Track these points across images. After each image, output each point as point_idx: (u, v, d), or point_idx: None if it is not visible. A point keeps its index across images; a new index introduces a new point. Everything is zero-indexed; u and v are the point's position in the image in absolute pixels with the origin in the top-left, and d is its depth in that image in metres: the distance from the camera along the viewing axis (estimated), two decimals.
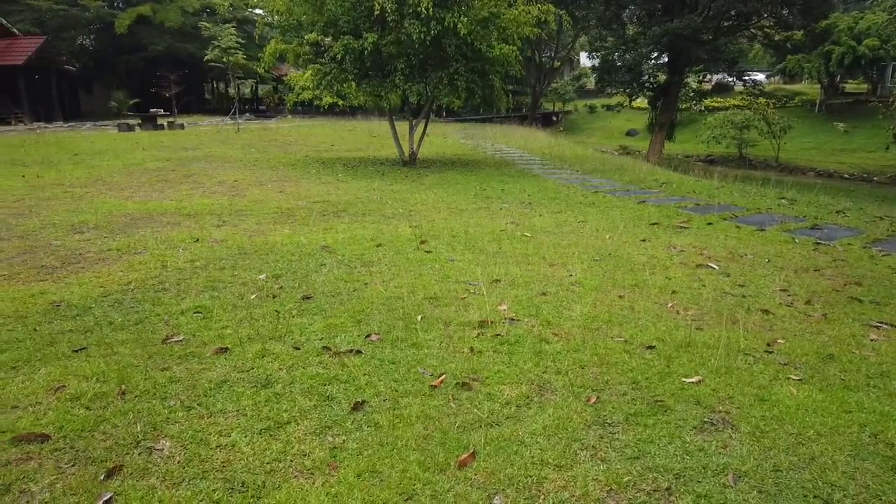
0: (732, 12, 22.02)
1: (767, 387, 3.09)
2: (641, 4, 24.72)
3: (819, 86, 37.11)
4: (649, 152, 24.46)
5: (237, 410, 2.75)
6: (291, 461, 2.39)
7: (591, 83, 45.31)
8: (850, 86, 39.97)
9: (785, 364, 3.38)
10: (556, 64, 40.02)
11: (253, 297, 4.29)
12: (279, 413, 2.73)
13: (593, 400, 2.91)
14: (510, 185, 10.73)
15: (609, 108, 44.53)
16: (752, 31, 24.83)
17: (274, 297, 4.30)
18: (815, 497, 2.25)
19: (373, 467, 2.36)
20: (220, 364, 3.20)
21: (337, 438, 2.55)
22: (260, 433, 2.57)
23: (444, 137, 21.63)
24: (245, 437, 2.54)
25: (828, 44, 31.69)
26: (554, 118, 45.54)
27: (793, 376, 3.22)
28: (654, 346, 3.55)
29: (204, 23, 28.49)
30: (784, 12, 22.61)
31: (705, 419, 2.76)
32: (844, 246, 6.38)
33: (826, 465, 2.45)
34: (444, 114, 37.09)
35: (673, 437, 2.62)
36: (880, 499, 2.26)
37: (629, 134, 39.32)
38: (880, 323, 4.10)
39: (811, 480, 2.35)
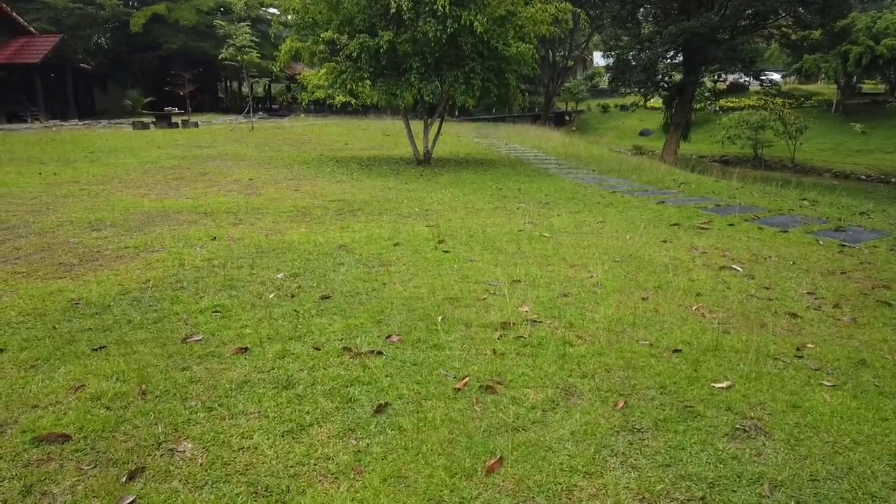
0: (749, 11, 21.78)
1: (799, 393, 3.01)
2: (657, 3, 24.49)
3: (836, 86, 36.62)
4: (664, 152, 24.24)
5: (259, 412, 2.70)
6: (315, 465, 2.34)
7: (604, 83, 45.00)
8: (868, 86, 39.48)
9: (816, 369, 3.30)
10: (570, 63, 39.85)
11: (271, 296, 4.25)
12: (301, 415, 2.68)
13: (621, 405, 2.84)
14: (526, 184, 10.65)
15: (623, 107, 44.23)
16: (770, 30, 24.54)
17: (292, 296, 4.26)
18: None
19: (398, 472, 2.30)
20: (240, 364, 3.16)
21: (361, 442, 2.50)
22: (282, 435, 2.52)
23: (457, 136, 21.54)
24: (268, 439, 2.49)
25: (845, 43, 31.27)
26: (567, 118, 45.35)
27: (825, 382, 3.13)
28: (680, 350, 3.47)
29: (219, 21, 28.56)
30: (801, 11, 22.31)
31: (737, 426, 2.69)
32: (870, 248, 6.25)
33: (865, 474, 2.37)
34: (457, 113, 36.99)
35: (705, 444, 2.54)
36: None
37: (643, 134, 39.02)
38: None
39: (850, 491, 2.27)
